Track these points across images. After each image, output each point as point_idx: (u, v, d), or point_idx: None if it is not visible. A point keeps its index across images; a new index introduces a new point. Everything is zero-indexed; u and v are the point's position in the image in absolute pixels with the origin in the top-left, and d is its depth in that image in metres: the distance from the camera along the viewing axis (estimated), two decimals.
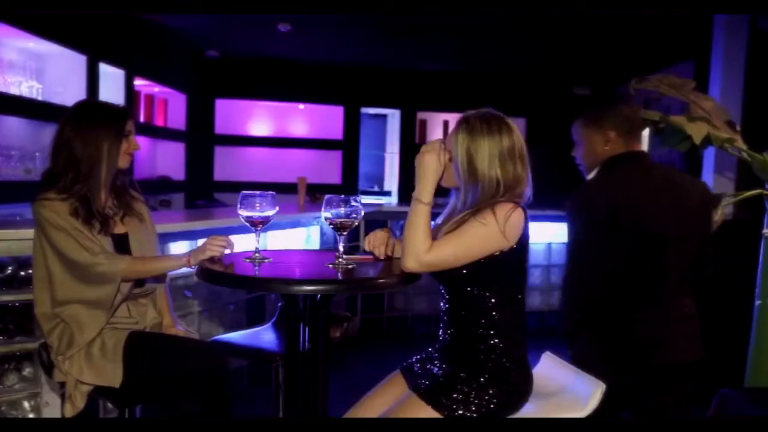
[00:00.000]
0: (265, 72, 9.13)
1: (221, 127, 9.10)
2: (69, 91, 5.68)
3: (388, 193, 9.77)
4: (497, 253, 2.39)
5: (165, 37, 7.54)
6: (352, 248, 6.16)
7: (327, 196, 2.51)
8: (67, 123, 2.82)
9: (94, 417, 3.16)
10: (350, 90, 9.33)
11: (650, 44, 7.52)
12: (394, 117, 9.85)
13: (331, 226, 2.53)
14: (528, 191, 2.51)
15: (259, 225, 2.62)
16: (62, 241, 2.71)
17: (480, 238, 2.35)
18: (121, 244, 2.92)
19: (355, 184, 9.51)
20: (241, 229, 4.49)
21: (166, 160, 8.24)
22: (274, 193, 2.60)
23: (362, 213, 2.53)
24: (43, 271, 2.79)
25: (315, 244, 6.00)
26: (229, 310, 5.05)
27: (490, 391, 2.38)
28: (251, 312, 5.24)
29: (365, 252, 2.71)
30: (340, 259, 2.54)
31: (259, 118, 9.43)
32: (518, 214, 2.38)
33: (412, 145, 9.54)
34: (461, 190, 2.49)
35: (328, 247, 6.01)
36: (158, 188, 7.87)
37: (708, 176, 5.13)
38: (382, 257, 2.60)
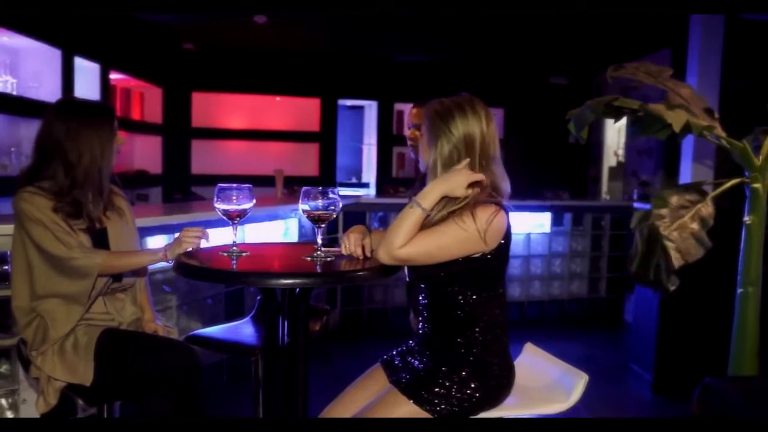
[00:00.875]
0: (241, 64, 9.04)
1: (198, 120, 9.01)
2: (44, 86, 5.62)
3: (366, 185, 9.74)
4: (476, 255, 2.36)
5: (141, 29, 7.45)
6: (331, 240, 6.14)
7: (304, 188, 2.48)
8: (55, 124, 2.81)
9: (71, 414, 3.13)
10: (327, 82, 9.27)
11: (627, 33, 7.54)
12: (371, 108, 9.80)
13: (309, 219, 2.50)
14: (505, 186, 2.47)
15: (236, 218, 2.59)
16: (39, 234, 2.71)
17: (458, 240, 2.31)
18: (100, 240, 2.90)
19: (333, 176, 9.46)
20: (219, 222, 4.45)
21: (143, 154, 8.16)
22: (251, 185, 2.58)
23: (340, 205, 2.51)
24: (23, 265, 2.79)
25: (293, 237, 5.98)
26: (208, 304, 5.02)
27: (472, 385, 2.38)
28: (230, 305, 5.22)
29: None
30: (319, 252, 2.52)
31: (236, 111, 9.34)
32: (500, 218, 2.34)
33: (389, 136, 9.51)
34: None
35: (306, 240, 5.99)
36: (135, 182, 7.78)
37: (687, 164, 5.13)
38: (361, 258, 2.54)
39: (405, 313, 6.98)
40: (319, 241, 2.53)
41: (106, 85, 6.55)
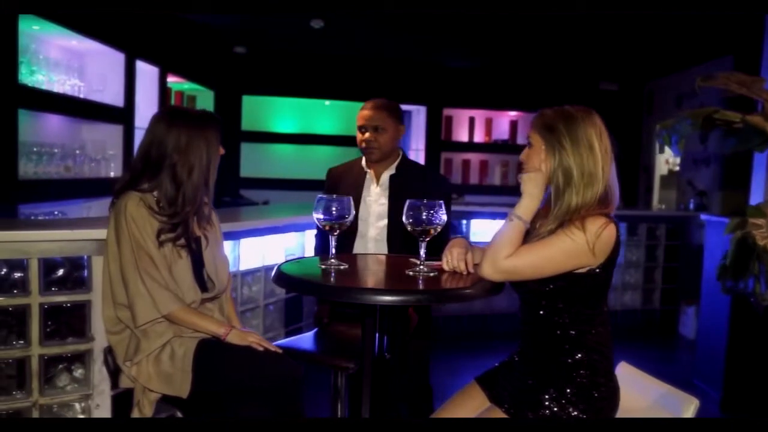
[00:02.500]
0: (291, 68, 9.10)
1: (248, 123, 9.06)
2: (108, 89, 5.68)
3: None
4: (583, 270, 2.28)
5: (195, 33, 7.51)
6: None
7: (409, 201, 2.40)
8: (166, 134, 2.74)
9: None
10: (376, 86, 9.24)
11: (681, 40, 7.45)
12: (419, 113, 9.79)
13: (413, 233, 2.40)
14: (617, 196, 2.40)
15: (336, 230, 2.51)
16: (139, 249, 2.68)
17: (565, 252, 2.24)
18: (197, 254, 2.87)
19: None
20: (281, 229, 4.41)
21: None
22: (350, 197, 2.51)
23: (445, 218, 2.41)
24: (115, 271, 2.76)
25: None
26: (269, 310, 4.99)
27: (581, 406, 2.31)
28: (289, 313, 5.19)
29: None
30: (421, 266, 2.43)
31: (285, 115, 9.39)
32: (611, 230, 2.26)
33: (437, 141, 9.49)
34: (559, 194, 2.35)
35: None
36: None
37: (760, 175, 4.95)
38: (465, 273, 2.45)
39: (482, 320, 7.01)
40: (423, 254, 2.44)
41: (163, 88, 6.59)
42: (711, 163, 7.72)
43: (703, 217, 5.69)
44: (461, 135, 9.68)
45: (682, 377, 5.65)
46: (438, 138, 9.53)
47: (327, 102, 9.46)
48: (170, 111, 2.91)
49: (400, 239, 3.40)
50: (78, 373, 3.35)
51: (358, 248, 3.52)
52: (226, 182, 8.71)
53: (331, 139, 9.36)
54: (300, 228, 4.84)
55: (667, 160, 9.34)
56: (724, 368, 5.08)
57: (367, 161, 3.63)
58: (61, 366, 3.30)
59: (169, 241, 2.73)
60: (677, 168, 9.00)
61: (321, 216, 2.50)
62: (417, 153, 9.78)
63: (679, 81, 8.82)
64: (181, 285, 2.78)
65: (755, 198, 4.95)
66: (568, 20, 6.77)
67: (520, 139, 9.75)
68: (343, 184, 3.63)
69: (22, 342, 3.16)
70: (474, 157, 9.67)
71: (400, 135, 3.62)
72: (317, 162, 9.11)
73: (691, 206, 7.91)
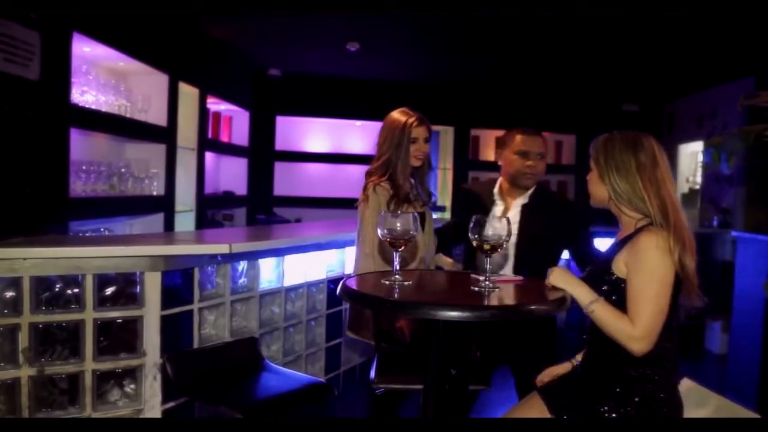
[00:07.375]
0: (323, 90, 9.29)
1: (281, 143, 9.23)
2: (152, 110, 5.78)
3: (441, 208, 9.78)
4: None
5: (232, 56, 7.66)
6: None
7: (475, 216, 2.40)
8: None
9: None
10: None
11: (701, 62, 7.54)
12: (447, 133, 9.93)
13: (478, 248, 2.40)
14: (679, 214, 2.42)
15: (400, 245, 2.48)
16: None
17: (662, 280, 2.27)
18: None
19: None
20: (323, 246, 4.47)
21: (230, 175, 8.41)
22: (415, 213, 2.53)
23: (511, 234, 2.42)
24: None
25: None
26: (311, 326, 5.07)
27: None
28: (330, 327, 5.27)
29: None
30: (488, 282, 2.41)
31: (317, 135, 9.55)
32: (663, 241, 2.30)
33: (465, 160, 9.60)
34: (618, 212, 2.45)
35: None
36: (222, 203, 8.00)
37: None
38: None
39: None
40: (488, 269, 2.44)
41: (203, 109, 6.74)
42: (734, 181, 7.79)
43: (734, 233, 5.71)
44: (488, 154, 9.78)
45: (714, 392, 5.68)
46: (466, 157, 9.67)
47: (358, 122, 9.61)
48: None
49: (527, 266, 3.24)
50: (129, 388, 3.37)
51: None
52: (260, 200, 8.87)
53: (362, 158, 9.47)
54: (340, 245, 4.88)
55: (687, 179, 9.40)
56: (759, 382, 5.06)
57: (522, 187, 3.55)
58: (112, 381, 3.32)
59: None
60: (697, 186, 9.08)
61: (386, 233, 2.48)
62: (445, 172, 9.91)
63: (699, 101, 8.90)
64: None
65: None
66: (591, 44, 6.88)
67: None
68: (474, 204, 3.61)
69: (77, 358, 3.19)
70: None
71: None
72: (348, 181, 9.26)
73: (715, 223, 7.96)
